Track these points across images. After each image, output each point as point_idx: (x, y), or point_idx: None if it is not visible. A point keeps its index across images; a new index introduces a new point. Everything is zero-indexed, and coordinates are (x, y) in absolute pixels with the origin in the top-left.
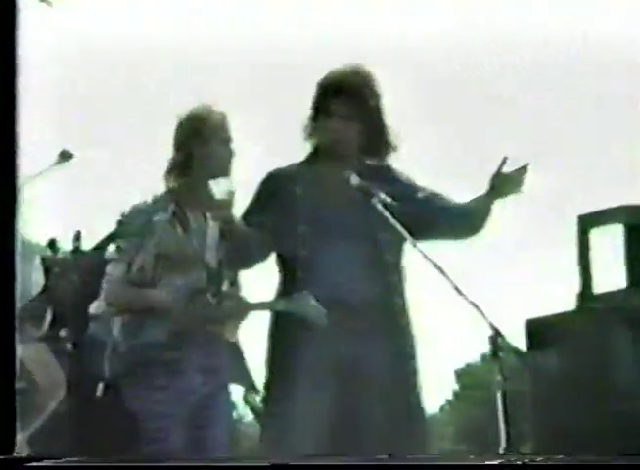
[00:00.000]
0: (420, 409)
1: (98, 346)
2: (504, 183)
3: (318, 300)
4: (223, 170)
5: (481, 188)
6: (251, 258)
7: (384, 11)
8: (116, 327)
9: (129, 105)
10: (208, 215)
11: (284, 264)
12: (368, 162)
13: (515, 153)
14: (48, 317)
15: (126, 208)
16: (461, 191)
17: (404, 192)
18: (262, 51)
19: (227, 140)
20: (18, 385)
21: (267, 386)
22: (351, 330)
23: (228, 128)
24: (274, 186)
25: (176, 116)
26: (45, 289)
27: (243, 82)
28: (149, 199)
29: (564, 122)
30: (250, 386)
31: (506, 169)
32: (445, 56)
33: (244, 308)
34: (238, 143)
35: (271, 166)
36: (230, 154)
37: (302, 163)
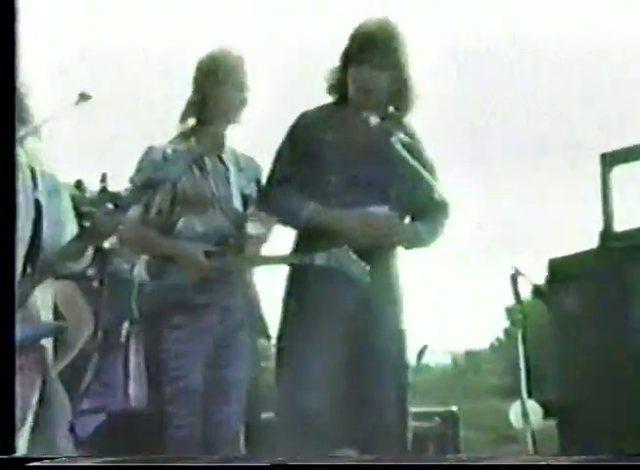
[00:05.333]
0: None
1: (123, 285)
2: None
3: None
4: (234, 115)
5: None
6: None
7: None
8: (141, 266)
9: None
10: (225, 159)
11: None
12: (391, 111)
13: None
14: (89, 255)
15: (143, 149)
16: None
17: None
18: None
19: (241, 85)
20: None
21: (280, 334)
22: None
23: (243, 73)
24: (305, 134)
25: (197, 59)
26: (81, 229)
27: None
28: (165, 141)
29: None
30: (261, 330)
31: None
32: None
33: (278, 260)
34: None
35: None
36: (242, 99)
37: (330, 108)
